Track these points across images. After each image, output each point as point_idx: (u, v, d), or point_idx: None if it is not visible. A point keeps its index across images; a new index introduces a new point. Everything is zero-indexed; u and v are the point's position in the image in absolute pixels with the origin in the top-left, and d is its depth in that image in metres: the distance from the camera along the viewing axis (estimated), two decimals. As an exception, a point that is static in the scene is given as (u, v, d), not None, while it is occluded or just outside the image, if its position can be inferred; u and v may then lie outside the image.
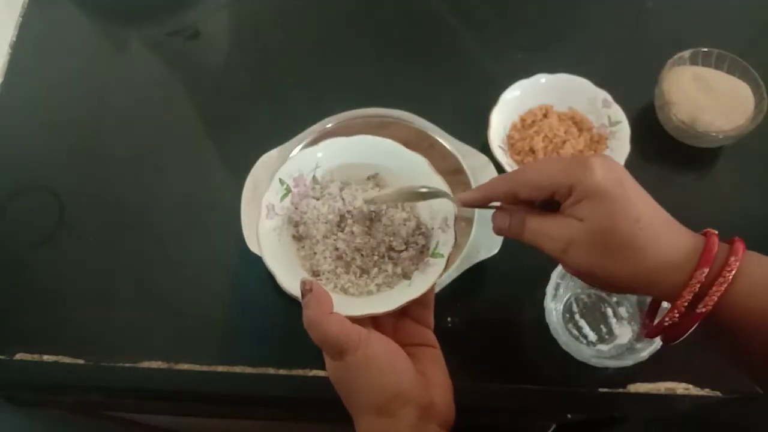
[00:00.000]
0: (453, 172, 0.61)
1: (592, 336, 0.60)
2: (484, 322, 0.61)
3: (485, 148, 0.65)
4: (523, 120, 0.70)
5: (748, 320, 0.37)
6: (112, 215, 0.67)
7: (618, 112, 0.68)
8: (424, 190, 0.45)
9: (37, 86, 0.75)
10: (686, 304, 0.37)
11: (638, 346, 0.56)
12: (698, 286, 0.37)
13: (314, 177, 0.49)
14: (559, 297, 0.60)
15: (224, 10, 0.80)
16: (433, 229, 0.47)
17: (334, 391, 0.42)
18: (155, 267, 0.64)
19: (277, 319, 0.61)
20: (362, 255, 0.47)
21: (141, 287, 0.63)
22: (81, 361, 0.60)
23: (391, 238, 0.47)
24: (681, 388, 0.58)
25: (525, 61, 0.74)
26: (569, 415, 0.58)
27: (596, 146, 0.68)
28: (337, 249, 0.46)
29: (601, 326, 0.61)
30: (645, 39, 0.77)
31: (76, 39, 0.79)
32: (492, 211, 0.44)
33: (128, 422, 0.72)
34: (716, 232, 0.39)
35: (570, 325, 0.61)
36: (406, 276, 0.46)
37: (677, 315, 0.38)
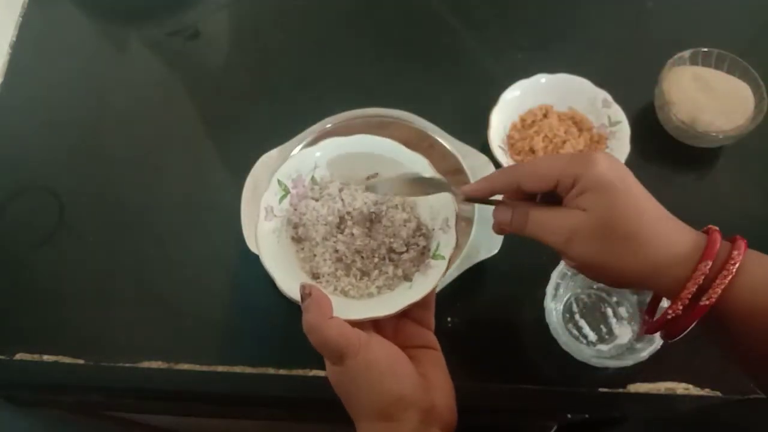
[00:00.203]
0: (453, 172, 0.61)
1: (592, 336, 0.60)
2: (484, 322, 0.61)
3: (485, 148, 0.65)
4: (523, 120, 0.70)
5: (748, 317, 0.37)
6: (112, 215, 0.67)
7: (618, 112, 0.68)
8: (427, 175, 0.45)
9: (37, 86, 0.75)
10: (690, 296, 0.37)
11: (638, 346, 0.56)
12: (702, 278, 0.37)
13: (313, 177, 0.48)
14: (559, 297, 0.60)
15: (224, 10, 0.80)
16: (433, 230, 0.47)
17: (334, 392, 0.42)
18: (155, 267, 0.64)
19: (277, 319, 0.61)
20: (362, 257, 0.46)
21: (141, 287, 0.63)
22: (81, 361, 0.60)
23: (392, 240, 0.46)
24: (681, 388, 0.58)
25: (525, 61, 0.74)
26: (569, 415, 0.58)
27: (596, 146, 0.68)
28: (336, 251, 0.46)
29: (601, 326, 0.61)
30: (645, 39, 0.77)
31: (76, 39, 0.79)
32: (492, 210, 0.44)
33: (128, 422, 0.72)
34: (718, 228, 0.39)
35: (570, 325, 0.61)
36: (407, 278, 0.46)
37: (680, 308, 0.38)
